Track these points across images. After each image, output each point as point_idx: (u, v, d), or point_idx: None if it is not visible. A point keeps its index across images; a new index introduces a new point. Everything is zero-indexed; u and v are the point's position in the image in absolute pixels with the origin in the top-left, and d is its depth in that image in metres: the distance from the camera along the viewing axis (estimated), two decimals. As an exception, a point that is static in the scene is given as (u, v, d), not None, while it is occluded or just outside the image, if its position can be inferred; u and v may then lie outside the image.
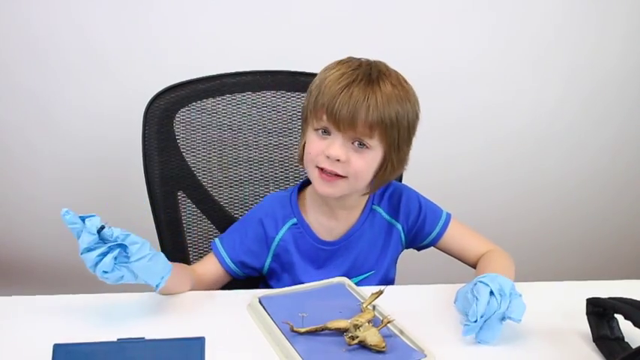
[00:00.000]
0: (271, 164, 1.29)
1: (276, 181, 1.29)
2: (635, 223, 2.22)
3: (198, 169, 1.24)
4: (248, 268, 1.10)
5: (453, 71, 1.91)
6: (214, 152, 1.24)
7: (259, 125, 1.26)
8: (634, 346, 0.85)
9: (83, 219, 0.83)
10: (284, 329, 0.86)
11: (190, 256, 1.24)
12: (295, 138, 1.28)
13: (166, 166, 1.20)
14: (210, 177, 1.25)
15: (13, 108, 1.81)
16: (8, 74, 1.77)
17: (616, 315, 0.87)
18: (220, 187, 1.26)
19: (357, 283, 1.06)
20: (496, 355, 0.86)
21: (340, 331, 0.85)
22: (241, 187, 1.27)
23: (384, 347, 0.82)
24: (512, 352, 0.87)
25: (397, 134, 0.99)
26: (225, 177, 1.26)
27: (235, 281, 1.13)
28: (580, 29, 1.94)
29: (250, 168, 1.27)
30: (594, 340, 0.88)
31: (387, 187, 1.15)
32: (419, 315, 0.95)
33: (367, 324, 0.84)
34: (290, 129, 1.27)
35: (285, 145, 1.28)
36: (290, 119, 1.27)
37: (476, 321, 0.86)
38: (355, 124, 0.95)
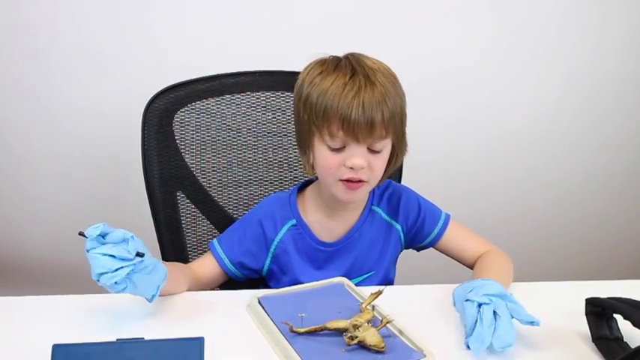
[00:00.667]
0: (270, 165, 1.29)
1: (275, 181, 1.29)
2: (635, 223, 2.22)
3: (198, 169, 1.24)
4: (247, 270, 1.10)
5: (452, 71, 1.91)
6: (213, 152, 1.24)
7: (259, 125, 1.26)
8: (633, 346, 0.85)
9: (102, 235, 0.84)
10: (283, 329, 0.86)
11: (189, 256, 1.24)
12: (294, 139, 1.27)
13: (165, 166, 1.20)
14: (209, 177, 1.25)
15: (13, 107, 1.81)
16: (8, 74, 1.77)
17: (615, 315, 0.87)
18: (219, 187, 1.26)
19: (357, 284, 1.06)
20: (495, 356, 0.86)
21: (339, 332, 0.85)
22: (240, 187, 1.27)
23: (383, 347, 0.82)
24: (512, 352, 0.87)
25: (400, 122, 1.01)
26: (225, 177, 1.26)
27: (235, 282, 1.13)
28: (580, 29, 1.94)
29: (250, 168, 1.27)
30: (593, 340, 0.88)
31: (386, 187, 1.16)
32: (418, 315, 0.95)
33: (366, 324, 0.84)
34: (289, 129, 1.27)
35: (285, 146, 1.28)
36: (289, 120, 1.27)
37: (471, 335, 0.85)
38: (374, 131, 0.95)
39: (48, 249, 1.96)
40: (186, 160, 1.22)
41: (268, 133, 1.27)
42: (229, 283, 1.13)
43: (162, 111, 1.19)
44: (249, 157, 1.27)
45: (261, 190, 1.29)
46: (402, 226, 1.14)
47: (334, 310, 0.92)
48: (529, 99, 2.00)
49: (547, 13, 1.90)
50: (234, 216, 1.27)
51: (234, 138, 1.25)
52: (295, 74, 1.24)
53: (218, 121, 1.24)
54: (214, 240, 1.11)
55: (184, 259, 1.23)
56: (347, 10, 1.80)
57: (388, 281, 1.16)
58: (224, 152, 1.25)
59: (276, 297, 0.96)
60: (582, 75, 1.99)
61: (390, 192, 1.15)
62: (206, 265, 1.09)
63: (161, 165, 1.20)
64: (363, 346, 0.83)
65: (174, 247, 1.23)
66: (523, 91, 1.98)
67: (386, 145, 1.00)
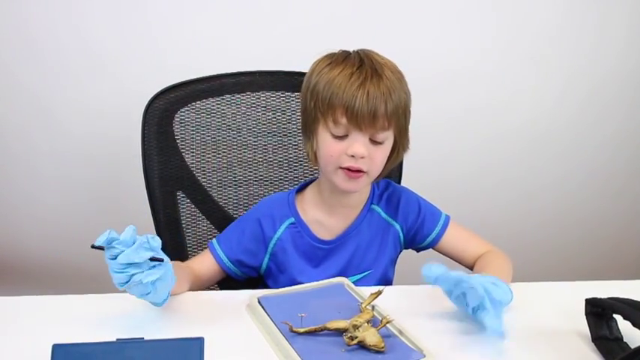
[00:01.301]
0: (270, 164, 1.29)
1: (275, 181, 1.29)
2: (634, 223, 2.22)
3: (198, 169, 1.24)
4: (246, 267, 1.11)
5: (452, 71, 1.91)
6: (213, 152, 1.24)
7: (258, 125, 1.26)
8: (633, 346, 0.85)
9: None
10: (283, 329, 0.86)
11: (189, 256, 1.24)
12: (294, 138, 1.28)
13: (166, 166, 1.21)
14: (209, 177, 1.25)
15: (13, 107, 1.81)
16: (8, 74, 1.77)
17: (615, 315, 0.87)
18: (219, 187, 1.26)
19: (355, 282, 1.06)
20: (495, 355, 0.86)
21: (339, 332, 0.85)
22: (240, 187, 1.27)
23: (383, 347, 0.82)
24: (512, 352, 0.87)
25: (404, 118, 1.03)
26: (225, 177, 1.26)
27: (234, 281, 1.13)
28: (579, 29, 1.94)
29: (249, 168, 1.28)
30: (593, 341, 0.88)
31: (386, 187, 1.16)
32: (418, 315, 0.95)
33: (366, 324, 0.84)
34: (289, 129, 1.27)
35: (285, 146, 1.28)
36: (289, 120, 1.27)
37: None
38: (376, 121, 0.97)
39: (48, 248, 1.96)
40: (187, 159, 1.23)
41: (268, 133, 1.27)
42: (229, 283, 1.13)
43: (163, 111, 1.19)
44: (249, 157, 1.27)
45: (261, 190, 1.29)
46: (401, 227, 1.15)
47: (334, 310, 0.92)
48: (528, 99, 2.00)
49: (546, 13, 1.90)
50: (234, 216, 1.27)
51: (234, 138, 1.25)
52: (295, 74, 1.25)
53: (218, 121, 1.24)
54: (213, 240, 1.12)
55: (184, 259, 1.23)
56: (347, 10, 1.80)
57: (386, 281, 1.17)
58: (224, 152, 1.25)
59: (276, 297, 0.96)
60: (582, 75, 1.99)
61: (390, 192, 1.15)
62: (204, 263, 1.09)
63: (161, 165, 1.20)
64: (362, 346, 0.83)
65: (174, 246, 1.23)
66: (522, 90, 1.98)
67: (388, 138, 1.02)
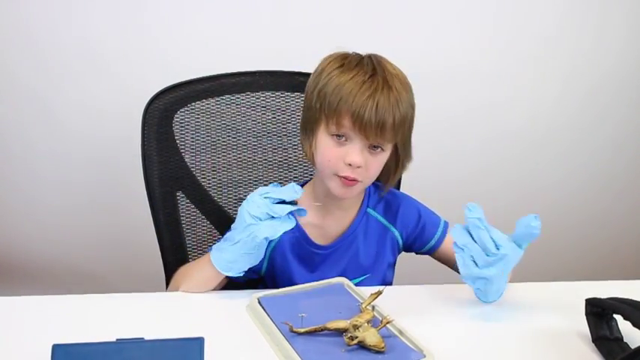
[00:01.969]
0: (270, 165, 1.29)
1: (275, 181, 1.29)
2: (635, 223, 2.22)
3: (198, 169, 1.24)
4: (247, 271, 1.10)
5: (451, 71, 1.91)
6: (213, 152, 1.24)
7: (258, 126, 1.26)
8: (633, 346, 0.85)
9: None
10: (283, 330, 0.86)
11: (189, 256, 1.24)
12: (294, 139, 1.27)
13: (165, 167, 1.20)
14: (209, 177, 1.25)
15: (13, 107, 1.81)
16: (8, 73, 1.77)
17: (615, 315, 0.87)
18: (219, 187, 1.26)
19: None
20: (495, 356, 0.86)
21: (339, 332, 0.85)
22: (240, 187, 1.27)
23: (383, 347, 0.82)
24: (512, 352, 0.87)
25: (408, 130, 1.03)
26: (225, 177, 1.26)
27: (234, 283, 1.13)
28: (579, 28, 1.94)
29: (249, 168, 1.27)
30: (593, 341, 0.88)
31: (382, 191, 1.16)
32: (418, 315, 0.95)
33: (366, 324, 0.84)
34: (289, 130, 1.27)
35: (285, 146, 1.28)
36: (289, 120, 1.27)
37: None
38: (383, 132, 0.97)
39: (48, 248, 1.96)
40: (186, 160, 1.22)
41: (268, 133, 1.27)
42: (229, 283, 1.13)
43: (162, 111, 1.19)
44: (249, 157, 1.27)
45: (261, 190, 1.29)
46: (400, 233, 1.15)
47: (334, 311, 0.92)
48: (528, 99, 2.00)
49: (546, 12, 1.90)
50: (234, 216, 1.26)
51: (234, 138, 1.25)
52: (295, 74, 1.24)
53: (218, 121, 1.24)
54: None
55: (184, 259, 1.23)
56: (347, 10, 1.80)
57: (386, 284, 1.16)
58: (224, 152, 1.25)
59: (276, 297, 0.96)
60: (581, 75, 2.00)
61: (389, 197, 1.16)
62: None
63: (161, 165, 1.20)
64: (363, 346, 0.83)
65: (173, 247, 1.23)
66: (522, 91, 1.98)
67: (386, 147, 1.01)
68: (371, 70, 0.99)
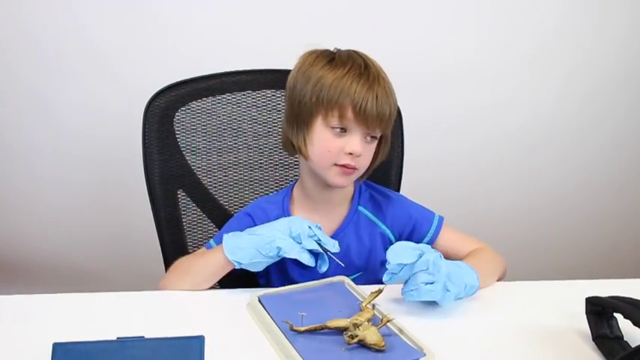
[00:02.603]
0: (270, 163, 1.29)
1: (275, 180, 1.29)
2: (634, 222, 2.22)
3: (198, 167, 1.24)
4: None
5: (451, 71, 1.91)
6: (214, 151, 1.24)
7: (259, 124, 1.26)
8: (633, 345, 0.85)
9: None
10: (284, 328, 0.86)
11: (190, 255, 1.24)
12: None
13: (166, 165, 1.21)
14: (210, 176, 1.25)
15: (14, 106, 1.81)
16: (9, 72, 1.77)
17: (615, 314, 0.87)
18: (220, 185, 1.26)
19: None
20: (495, 355, 0.86)
21: (340, 330, 0.85)
22: (241, 186, 1.27)
23: (383, 346, 0.82)
24: (512, 351, 0.87)
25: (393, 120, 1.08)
26: (225, 176, 1.26)
27: (235, 280, 1.13)
28: (578, 28, 1.94)
29: (250, 167, 1.28)
30: (593, 339, 0.88)
31: (375, 190, 1.17)
32: (418, 314, 0.95)
33: (367, 323, 0.84)
34: (290, 128, 1.27)
35: (285, 144, 1.28)
36: (290, 118, 1.27)
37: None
38: (382, 121, 1.02)
39: (48, 247, 1.96)
40: (187, 158, 1.23)
41: (269, 131, 1.27)
42: (230, 282, 1.13)
43: (163, 109, 1.19)
44: (250, 156, 1.27)
45: (261, 189, 1.29)
46: (390, 229, 1.15)
47: (334, 309, 0.92)
48: (527, 99, 2.00)
49: (545, 12, 1.90)
50: (234, 214, 1.27)
51: (235, 136, 1.25)
52: (296, 73, 1.24)
53: (219, 120, 1.24)
54: (210, 240, 1.12)
55: (185, 258, 1.23)
56: (346, 9, 1.80)
57: (380, 283, 1.16)
58: (225, 151, 1.25)
59: (277, 296, 0.96)
60: (581, 75, 1.99)
61: (378, 194, 1.16)
62: None
63: (162, 163, 1.20)
64: (363, 344, 0.83)
65: (175, 245, 1.23)
66: (521, 91, 1.98)
67: (378, 136, 1.06)
68: (363, 63, 1.03)
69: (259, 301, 0.94)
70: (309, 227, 0.98)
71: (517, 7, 1.88)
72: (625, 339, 0.87)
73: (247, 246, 0.98)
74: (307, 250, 0.98)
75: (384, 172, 1.26)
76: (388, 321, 0.86)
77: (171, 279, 1.05)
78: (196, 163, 1.23)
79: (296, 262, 1.06)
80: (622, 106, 2.05)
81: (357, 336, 0.82)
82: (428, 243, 1.14)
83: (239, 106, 1.25)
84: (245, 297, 0.97)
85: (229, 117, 1.24)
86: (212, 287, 1.13)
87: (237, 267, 1.00)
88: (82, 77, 1.78)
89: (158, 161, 1.20)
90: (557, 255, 2.17)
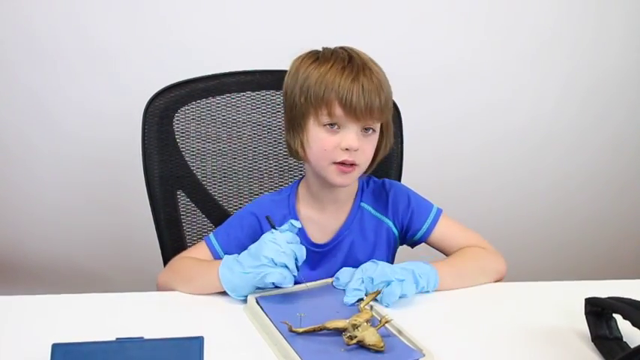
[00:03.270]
0: (270, 164, 1.29)
1: (274, 181, 1.29)
2: (635, 223, 2.21)
3: (198, 168, 1.24)
4: None
5: (450, 71, 1.91)
6: (214, 152, 1.24)
7: (259, 124, 1.26)
8: (632, 345, 0.85)
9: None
10: (282, 329, 0.86)
11: (190, 256, 1.24)
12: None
13: (166, 165, 1.21)
14: (209, 176, 1.25)
15: (12, 106, 1.81)
16: (8, 73, 1.77)
17: (614, 314, 0.87)
18: (220, 186, 1.26)
19: None
20: (494, 355, 0.86)
21: (338, 331, 0.85)
22: (241, 186, 1.27)
23: (382, 347, 0.82)
24: (511, 351, 0.87)
25: (390, 112, 1.06)
26: (225, 176, 1.26)
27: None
28: (579, 28, 1.94)
29: (249, 168, 1.28)
30: (593, 340, 0.88)
31: (375, 184, 1.16)
32: (417, 314, 0.95)
33: (365, 324, 0.84)
34: (289, 128, 1.27)
35: (284, 145, 1.28)
36: (289, 118, 1.27)
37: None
38: (372, 112, 0.99)
39: (48, 247, 1.96)
40: (187, 159, 1.23)
41: (268, 132, 1.27)
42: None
43: (163, 110, 1.19)
44: (249, 157, 1.27)
45: (261, 188, 1.29)
46: (393, 222, 1.15)
47: (333, 310, 0.92)
48: (528, 98, 2.00)
49: (546, 12, 1.90)
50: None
51: (235, 137, 1.25)
52: (294, 74, 1.24)
53: (218, 121, 1.24)
54: (210, 235, 1.12)
55: (184, 258, 1.23)
56: (346, 9, 1.80)
57: None
58: (224, 151, 1.25)
59: (275, 297, 0.96)
60: (582, 74, 1.99)
61: (379, 188, 1.16)
62: (199, 257, 1.09)
63: (161, 164, 1.20)
64: (362, 345, 0.83)
65: (174, 245, 1.23)
66: (522, 90, 1.98)
67: (376, 128, 1.04)
68: (347, 56, 1.02)
69: (257, 302, 0.94)
70: (289, 244, 0.95)
71: (517, 8, 1.89)
72: (624, 340, 0.87)
73: (242, 284, 0.96)
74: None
75: (384, 173, 1.26)
76: (387, 322, 0.86)
77: (171, 280, 1.05)
78: (196, 163, 1.23)
79: None
80: (622, 107, 2.05)
81: (356, 337, 0.82)
82: (424, 234, 1.14)
83: (238, 107, 1.25)
84: (243, 298, 0.97)
85: (229, 118, 1.24)
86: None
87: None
88: (81, 77, 1.78)
89: (157, 162, 1.20)
90: (557, 255, 2.17)
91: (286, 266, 0.94)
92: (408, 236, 1.16)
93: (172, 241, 1.23)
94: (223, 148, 1.25)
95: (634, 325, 0.79)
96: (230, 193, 1.27)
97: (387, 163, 1.28)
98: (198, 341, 0.75)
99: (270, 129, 1.27)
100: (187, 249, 1.15)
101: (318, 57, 1.03)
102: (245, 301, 0.97)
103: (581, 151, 2.09)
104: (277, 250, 0.94)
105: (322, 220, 1.12)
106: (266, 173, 1.29)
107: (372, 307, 0.90)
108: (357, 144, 1.00)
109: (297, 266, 0.95)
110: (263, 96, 1.26)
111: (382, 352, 0.82)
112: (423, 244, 1.18)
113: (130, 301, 0.98)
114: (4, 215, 1.93)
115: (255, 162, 1.28)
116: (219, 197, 1.26)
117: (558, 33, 1.93)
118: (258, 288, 0.97)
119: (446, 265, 1.06)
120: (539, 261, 2.07)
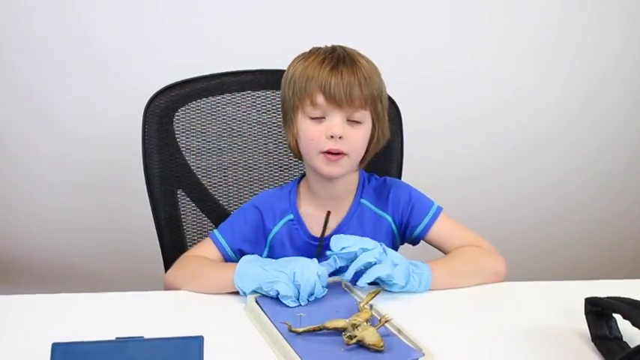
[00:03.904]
0: (270, 163, 1.29)
1: (276, 180, 1.29)
2: (634, 222, 2.21)
3: (198, 167, 1.24)
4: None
5: (451, 71, 1.91)
6: (214, 151, 1.25)
7: (259, 124, 1.27)
8: (632, 345, 0.85)
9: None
10: (282, 329, 0.86)
11: (190, 255, 1.24)
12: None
13: (166, 165, 1.21)
14: (209, 175, 1.25)
15: (12, 107, 1.81)
16: (7, 73, 1.77)
17: (614, 314, 0.86)
18: (219, 185, 1.26)
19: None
20: (494, 355, 0.86)
21: (338, 331, 0.85)
22: (241, 185, 1.28)
23: (382, 346, 0.82)
24: (511, 351, 0.87)
25: (381, 105, 1.06)
26: (225, 175, 1.26)
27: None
28: (579, 28, 1.94)
29: (249, 167, 1.28)
30: (593, 340, 0.88)
31: (377, 180, 1.17)
32: (417, 314, 0.95)
33: (365, 323, 0.84)
34: (289, 128, 1.27)
35: (285, 144, 1.28)
36: (289, 118, 1.27)
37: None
38: (353, 99, 1.01)
39: (48, 247, 1.96)
40: (187, 158, 1.23)
41: (268, 131, 1.27)
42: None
43: (163, 109, 1.19)
44: (250, 156, 1.27)
45: (261, 188, 1.29)
46: (392, 218, 1.15)
47: (332, 310, 0.92)
48: (528, 99, 2.00)
49: (546, 12, 1.90)
50: (234, 214, 1.27)
51: (235, 137, 1.26)
52: (295, 73, 1.24)
53: (218, 120, 1.24)
54: (214, 230, 1.13)
55: (184, 258, 1.23)
56: (348, 10, 1.80)
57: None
58: (224, 151, 1.25)
59: (274, 297, 0.96)
60: (581, 75, 1.99)
61: (380, 184, 1.17)
62: (206, 253, 1.10)
63: (161, 163, 1.20)
64: (362, 345, 0.82)
65: (174, 245, 1.23)
66: (522, 91, 1.98)
67: (365, 119, 1.05)
68: (330, 49, 1.05)
69: (257, 302, 0.94)
70: (313, 282, 0.95)
71: (517, 8, 1.88)
72: (624, 339, 0.87)
73: (253, 278, 0.97)
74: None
75: (384, 172, 1.26)
76: (387, 321, 0.86)
77: (181, 278, 1.06)
78: (196, 163, 1.23)
79: (294, 253, 1.07)
80: (622, 107, 2.05)
81: (355, 336, 0.82)
82: (422, 231, 1.14)
83: (238, 106, 1.25)
84: (243, 298, 0.97)
85: (229, 117, 1.24)
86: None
87: (241, 294, 1.00)
88: (81, 77, 1.78)
89: (158, 161, 1.20)
90: (557, 255, 2.16)
91: (299, 290, 0.94)
92: (407, 232, 1.16)
93: (173, 241, 1.23)
94: (223, 147, 1.25)
95: (634, 325, 0.79)
96: (230, 192, 1.27)
97: (388, 163, 1.28)
98: (198, 341, 0.74)
99: (270, 128, 1.27)
100: (193, 247, 1.16)
101: (304, 54, 1.07)
102: (245, 300, 0.97)
103: (581, 151, 2.09)
104: (303, 273, 0.94)
105: (322, 215, 1.12)
106: (266, 172, 1.29)
107: (371, 306, 0.90)
108: (342, 131, 1.01)
109: (307, 299, 0.96)
110: (263, 95, 1.26)
111: (382, 352, 0.82)
112: (423, 243, 1.18)
113: (130, 301, 0.98)
114: (4, 215, 1.93)
115: (256, 161, 1.28)
116: (220, 196, 1.26)
117: (558, 33, 1.93)
118: (261, 291, 0.96)
119: (440, 265, 1.06)
120: (539, 261, 2.07)
